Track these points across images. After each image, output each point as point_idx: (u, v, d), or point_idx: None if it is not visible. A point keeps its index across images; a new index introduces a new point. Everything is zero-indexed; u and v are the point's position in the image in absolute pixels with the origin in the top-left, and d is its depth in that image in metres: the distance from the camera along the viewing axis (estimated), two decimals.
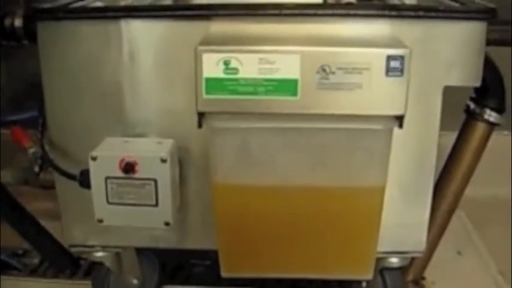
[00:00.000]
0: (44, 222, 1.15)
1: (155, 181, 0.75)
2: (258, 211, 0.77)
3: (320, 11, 0.75)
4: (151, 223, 0.77)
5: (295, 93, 0.68)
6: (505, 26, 0.84)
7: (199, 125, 0.71)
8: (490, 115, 0.96)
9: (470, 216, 1.35)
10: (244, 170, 0.74)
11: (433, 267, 1.11)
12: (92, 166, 0.75)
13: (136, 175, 0.74)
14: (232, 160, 0.74)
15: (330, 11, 0.75)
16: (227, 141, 0.73)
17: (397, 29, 0.76)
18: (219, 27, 0.77)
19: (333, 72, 0.67)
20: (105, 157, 0.74)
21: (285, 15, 0.76)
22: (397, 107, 0.69)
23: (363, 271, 0.81)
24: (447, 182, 1.02)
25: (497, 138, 1.03)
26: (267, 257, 0.81)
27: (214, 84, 0.68)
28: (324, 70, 0.67)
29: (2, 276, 1.14)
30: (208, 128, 0.72)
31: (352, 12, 0.75)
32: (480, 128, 0.98)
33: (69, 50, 0.80)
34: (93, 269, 1.00)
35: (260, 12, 0.76)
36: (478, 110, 0.96)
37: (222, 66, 0.68)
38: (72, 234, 0.92)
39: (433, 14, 0.75)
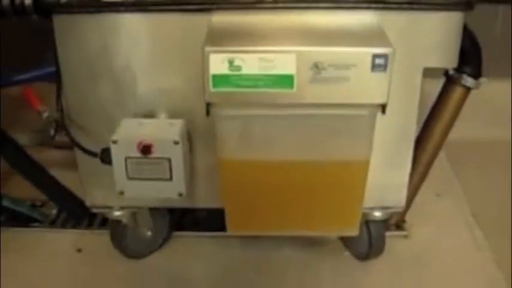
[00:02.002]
0: (56, 172, 1.24)
1: (169, 160, 0.85)
2: (259, 181, 0.89)
3: (313, 5, 0.83)
4: (166, 194, 0.89)
5: (291, 86, 0.77)
6: None
7: (207, 113, 0.80)
8: (467, 80, 1.05)
9: (451, 157, 1.47)
10: (246, 148, 0.85)
11: (413, 210, 1.23)
12: (113, 148, 0.85)
13: (153, 155, 0.85)
14: (235, 140, 0.84)
15: (322, 4, 0.83)
16: (231, 126, 0.83)
17: (383, 19, 0.84)
18: (220, 18, 0.84)
19: (325, 69, 0.76)
20: (124, 140, 0.84)
21: (280, 8, 0.84)
22: (380, 97, 0.78)
23: (350, 228, 0.94)
24: (427, 137, 1.13)
25: None
26: (267, 218, 0.94)
27: (219, 80, 0.77)
28: (316, 67, 0.76)
29: (25, 229, 1.26)
30: (215, 114, 0.81)
31: (342, 5, 0.83)
32: (458, 91, 1.07)
33: (84, 40, 0.88)
34: (111, 224, 1.12)
35: (258, 5, 0.84)
36: (456, 76, 1.05)
37: (226, 64, 0.76)
38: (93, 197, 1.04)
39: (415, 6, 0.83)
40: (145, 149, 0.84)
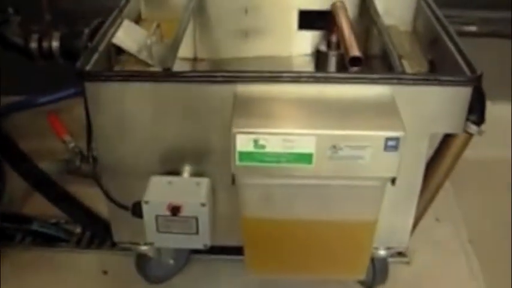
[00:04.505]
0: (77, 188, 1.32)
1: (196, 218, 0.93)
2: (277, 235, 0.97)
3: (334, 79, 0.90)
4: (193, 245, 0.97)
5: (310, 162, 0.85)
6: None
7: (233, 182, 0.88)
8: (470, 127, 1.12)
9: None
10: (266, 208, 0.93)
11: (414, 235, 1.32)
12: (145, 207, 0.92)
13: (181, 214, 0.92)
14: (257, 203, 0.92)
15: (342, 80, 0.90)
16: (253, 191, 0.91)
17: (396, 91, 0.90)
18: (244, 89, 0.91)
19: (341, 149, 0.83)
20: (155, 202, 0.92)
21: (302, 82, 0.90)
22: (391, 171, 0.86)
23: (357, 274, 1.04)
24: (430, 177, 1.19)
25: None
26: (282, 265, 1.03)
27: (245, 156, 0.84)
28: (334, 147, 0.83)
29: (51, 249, 1.33)
30: (239, 182, 0.89)
31: (361, 80, 0.90)
32: (461, 137, 1.14)
33: (112, 104, 0.93)
34: (136, 255, 1.20)
35: (280, 78, 0.90)
36: None
37: (252, 143, 0.83)
38: (120, 234, 1.12)
39: (426, 82, 0.90)
40: (175, 210, 0.92)
